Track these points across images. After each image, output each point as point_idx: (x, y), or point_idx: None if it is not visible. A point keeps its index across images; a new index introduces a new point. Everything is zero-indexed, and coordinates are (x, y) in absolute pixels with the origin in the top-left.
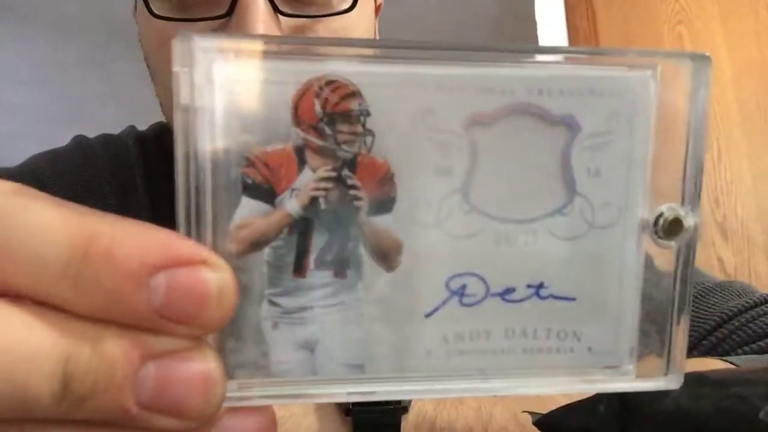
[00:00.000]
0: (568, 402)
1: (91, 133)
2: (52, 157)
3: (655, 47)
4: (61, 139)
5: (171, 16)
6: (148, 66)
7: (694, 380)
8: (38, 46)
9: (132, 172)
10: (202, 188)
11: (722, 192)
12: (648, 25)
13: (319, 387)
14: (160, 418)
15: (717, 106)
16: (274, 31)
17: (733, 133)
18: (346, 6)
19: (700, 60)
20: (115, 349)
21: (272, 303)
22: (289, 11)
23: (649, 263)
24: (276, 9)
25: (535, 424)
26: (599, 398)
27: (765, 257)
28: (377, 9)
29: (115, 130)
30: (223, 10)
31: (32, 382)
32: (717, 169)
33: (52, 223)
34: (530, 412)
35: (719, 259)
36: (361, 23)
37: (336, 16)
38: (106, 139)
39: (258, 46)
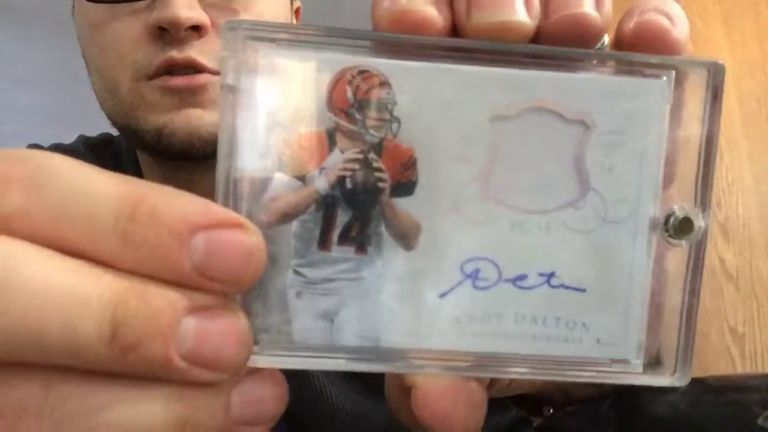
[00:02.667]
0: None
1: (92, 133)
2: None
3: None
4: (61, 139)
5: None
6: (84, 57)
7: (692, 386)
8: (38, 46)
9: None
10: (240, 162)
11: (723, 192)
12: None
13: (335, 356)
14: (198, 369)
15: None
16: (195, 5)
17: (734, 134)
18: None
19: (715, 67)
20: (160, 300)
21: (297, 273)
22: None
23: (659, 261)
24: None
25: (537, 428)
26: (598, 403)
27: (767, 258)
28: (297, 12)
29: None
30: None
31: (83, 325)
32: (718, 170)
33: (104, 187)
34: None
35: (721, 260)
36: (273, 3)
37: None
38: (57, 147)
39: (298, 36)
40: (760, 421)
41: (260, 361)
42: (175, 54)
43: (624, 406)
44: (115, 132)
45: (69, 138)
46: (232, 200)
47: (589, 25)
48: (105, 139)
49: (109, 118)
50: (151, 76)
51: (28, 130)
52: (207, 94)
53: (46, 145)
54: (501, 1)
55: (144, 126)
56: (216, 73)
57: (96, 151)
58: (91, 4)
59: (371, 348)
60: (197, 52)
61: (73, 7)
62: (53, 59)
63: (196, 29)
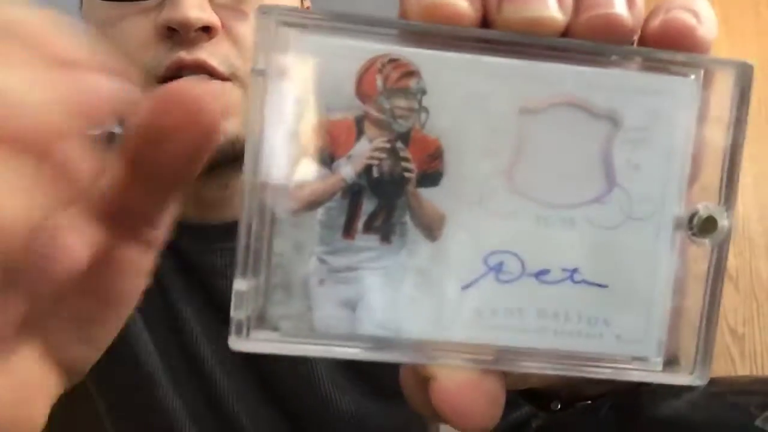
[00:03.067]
0: None
1: None
2: None
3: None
4: None
5: None
6: None
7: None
8: None
9: None
10: (267, 147)
11: None
12: None
13: (354, 345)
14: None
15: None
16: (205, 6)
17: None
18: None
19: (743, 67)
20: None
21: (321, 260)
22: None
23: (682, 259)
24: None
25: (537, 429)
26: (599, 404)
27: (766, 258)
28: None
29: None
30: None
31: None
32: None
33: None
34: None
35: None
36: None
37: None
38: None
39: (330, 23)
40: (758, 422)
41: (281, 348)
42: (185, 55)
43: (624, 409)
44: None
45: None
46: (259, 185)
47: (619, 26)
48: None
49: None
50: (161, 79)
51: None
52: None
53: None
54: None
55: None
56: (227, 78)
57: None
58: (100, 1)
59: (391, 338)
60: (207, 53)
61: (81, 2)
62: None
63: (206, 30)
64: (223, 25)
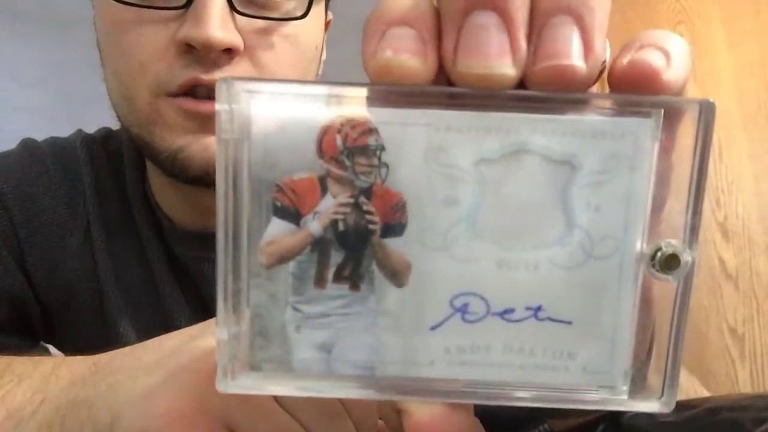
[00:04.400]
0: None
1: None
2: None
3: None
4: None
5: (130, 1)
6: (99, 51)
7: (687, 405)
8: (38, 46)
9: (79, 172)
10: (239, 209)
11: (723, 192)
12: (649, 25)
13: (333, 386)
14: None
15: (718, 105)
16: (229, 27)
17: (734, 133)
18: (299, 13)
19: (705, 105)
20: None
21: (296, 309)
22: (246, 11)
23: (645, 293)
24: (233, 8)
25: None
26: (592, 426)
27: (766, 258)
28: (327, 24)
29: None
30: (181, 2)
31: None
32: (718, 169)
33: None
34: None
35: (720, 260)
36: (311, 32)
37: (289, 22)
38: (54, 141)
39: (289, 89)
40: None
41: (264, 388)
42: (202, 75)
43: (620, 428)
44: (114, 125)
45: None
46: (232, 245)
47: (573, 76)
48: (104, 135)
49: (120, 121)
50: (173, 94)
51: (28, 130)
52: None
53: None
54: (486, 50)
55: (159, 144)
56: None
57: (91, 148)
58: (114, 1)
59: (366, 377)
60: (225, 74)
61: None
62: (53, 59)
63: (227, 51)
64: (246, 47)
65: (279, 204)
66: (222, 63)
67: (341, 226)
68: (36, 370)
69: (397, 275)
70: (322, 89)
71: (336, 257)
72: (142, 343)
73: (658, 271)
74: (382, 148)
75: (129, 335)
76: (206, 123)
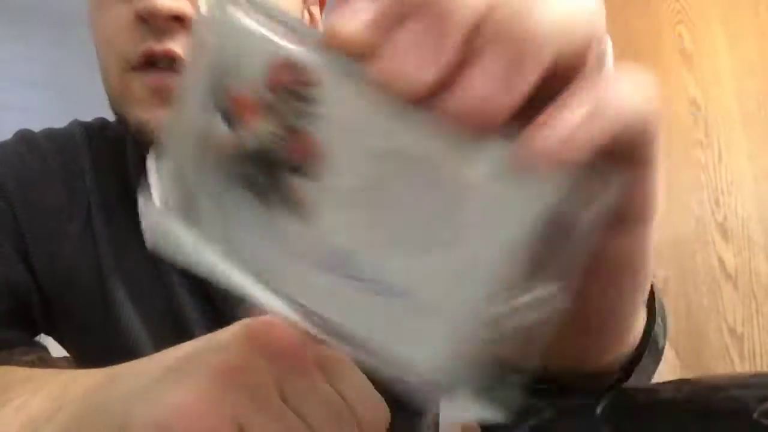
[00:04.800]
0: None
1: None
2: None
3: (655, 47)
4: None
5: None
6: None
7: (689, 383)
8: (38, 46)
9: (77, 157)
10: (191, 100)
11: (723, 192)
12: (648, 24)
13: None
14: None
15: (717, 105)
16: None
17: (733, 133)
18: None
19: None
20: None
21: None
22: None
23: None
24: None
25: (531, 429)
26: (594, 403)
27: (766, 258)
28: (322, 3)
29: None
30: None
31: None
32: (717, 170)
33: None
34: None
35: (720, 260)
36: (279, 3)
37: None
38: (50, 130)
39: (267, 12)
40: (756, 415)
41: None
42: (154, 45)
43: (620, 407)
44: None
45: None
46: (179, 123)
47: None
48: (101, 124)
49: (109, 102)
50: (135, 68)
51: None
52: None
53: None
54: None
55: (130, 119)
56: None
57: (89, 134)
58: None
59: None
60: (179, 44)
61: None
62: (53, 59)
63: (178, 20)
64: None
65: (223, 106)
66: (173, 31)
67: (262, 149)
68: (54, 380)
69: (295, 209)
70: (293, 29)
71: (251, 171)
72: (158, 353)
73: None
74: (319, 102)
75: (132, 320)
76: (167, 96)
